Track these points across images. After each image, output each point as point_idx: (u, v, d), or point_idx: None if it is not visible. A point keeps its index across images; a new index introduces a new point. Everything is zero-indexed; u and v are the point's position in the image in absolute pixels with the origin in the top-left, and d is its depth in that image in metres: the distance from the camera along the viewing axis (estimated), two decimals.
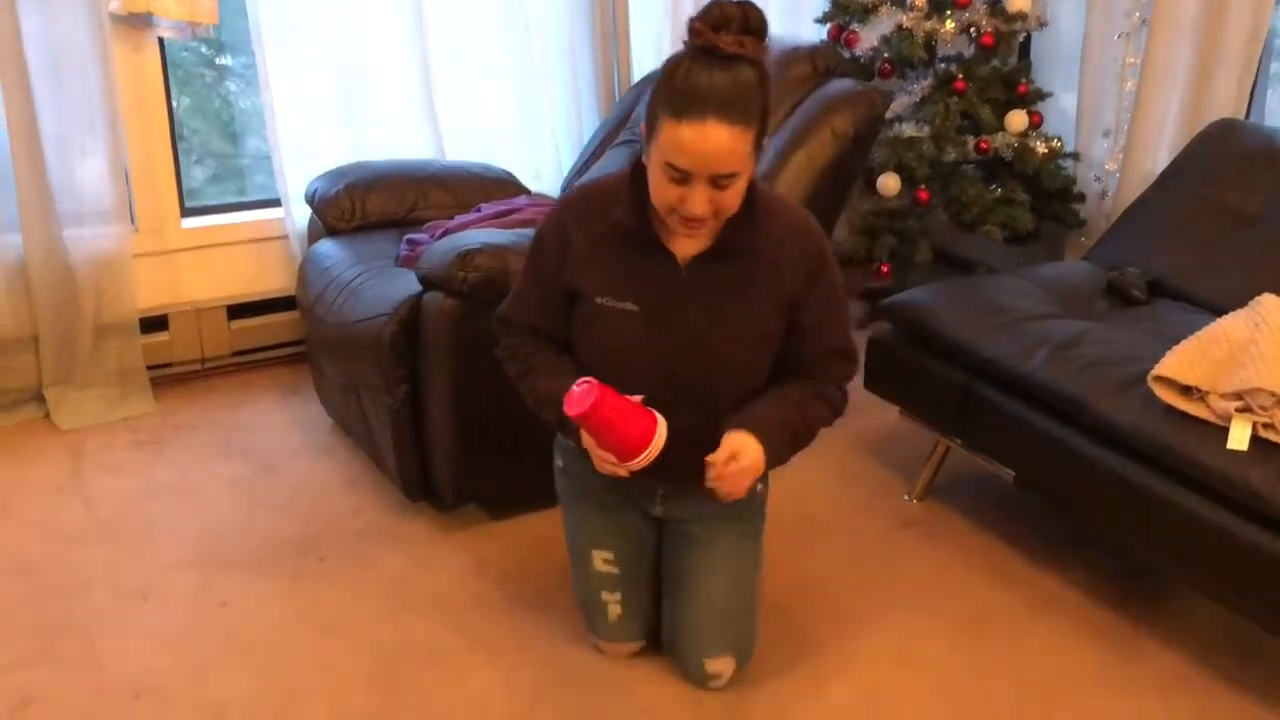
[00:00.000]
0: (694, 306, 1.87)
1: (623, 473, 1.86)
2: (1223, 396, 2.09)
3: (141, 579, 2.42)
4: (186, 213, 3.33)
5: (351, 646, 2.24)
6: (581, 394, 1.77)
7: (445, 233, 2.80)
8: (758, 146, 1.74)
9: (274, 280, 3.39)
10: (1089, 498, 2.33)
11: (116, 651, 2.20)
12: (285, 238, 3.37)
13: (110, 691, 2.09)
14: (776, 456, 1.90)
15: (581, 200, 1.93)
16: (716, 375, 1.90)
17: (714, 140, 1.66)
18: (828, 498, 2.83)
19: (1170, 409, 2.16)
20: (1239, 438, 2.02)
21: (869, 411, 3.19)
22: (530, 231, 2.59)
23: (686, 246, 1.87)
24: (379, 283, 2.63)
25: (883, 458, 3.03)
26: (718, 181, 1.71)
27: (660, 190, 1.75)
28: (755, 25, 1.70)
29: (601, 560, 2.16)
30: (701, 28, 1.68)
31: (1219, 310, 2.41)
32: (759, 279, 1.87)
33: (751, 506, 2.13)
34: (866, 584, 2.49)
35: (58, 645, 2.21)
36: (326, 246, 2.97)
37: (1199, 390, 2.13)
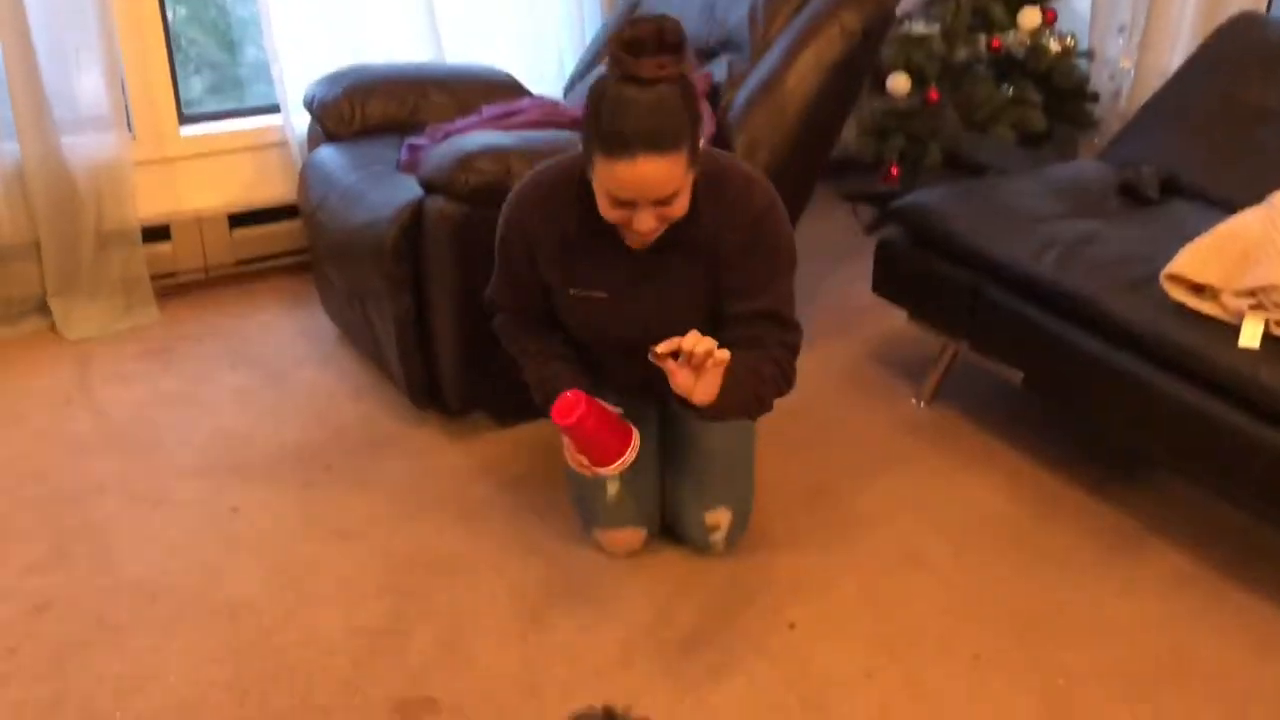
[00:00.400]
0: (652, 290, 1.98)
1: (588, 475, 1.98)
2: (1236, 294, 2.07)
3: (152, 486, 2.44)
4: (185, 120, 3.28)
5: (362, 551, 2.26)
6: (568, 405, 1.87)
7: (446, 136, 2.75)
8: (693, 155, 1.79)
9: (275, 188, 3.35)
10: (1099, 398, 2.32)
11: (130, 556, 2.22)
12: (285, 144, 3.32)
13: (125, 594, 2.12)
14: (719, 407, 1.85)
15: (540, 200, 1.97)
16: (671, 328, 1.86)
17: (648, 174, 1.73)
18: (835, 403, 2.82)
19: (1181, 307, 2.14)
20: (1251, 335, 2.00)
21: (877, 317, 3.17)
22: (533, 134, 2.57)
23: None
24: (380, 188, 2.60)
25: (890, 363, 3.02)
26: (661, 201, 1.78)
27: (606, 212, 1.82)
28: (671, 41, 1.72)
29: None
30: (621, 55, 1.71)
31: (1234, 208, 2.37)
32: (704, 257, 1.95)
33: None
34: (872, 487, 2.50)
35: (72, 550, 2.23)
36: (327, 152, 2.93)
37: (1211, 288, 2.11)
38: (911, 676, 1.99)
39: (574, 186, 1.91)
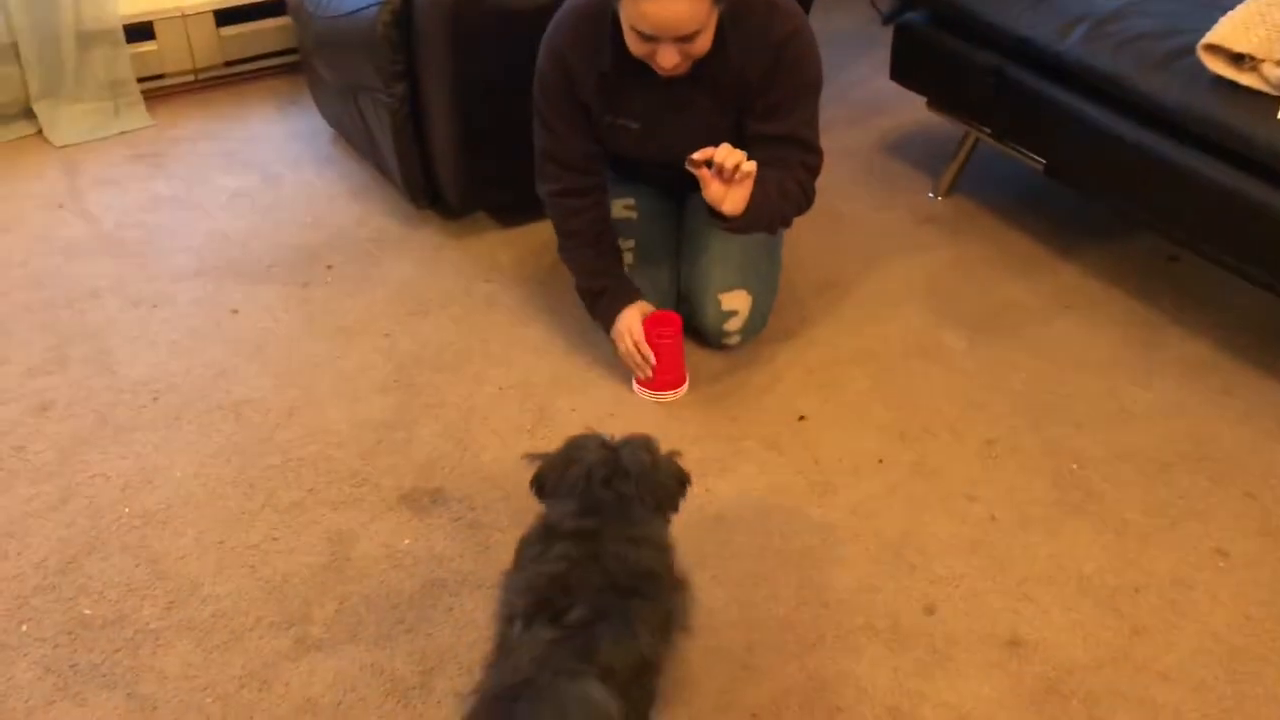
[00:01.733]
0: (681, 119, 2.01)
1: (641, 389, 2.12)
2: (1278, 63, 1.94)
3: (150, 289, 2.39)
4: None
5: (365, 348, 2.23)
6: (668, 320, 2.07)
7: None
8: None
9: None
10: (1125, 182, 2.23)
11: (130, 357, 2.20)
12: None
13: (127, 394, 2.10)
14: (745, 221, 1.91)
15: (575, 36, 1.97)
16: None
17: (672, 11, 1.75)
18: (851, 195, 2.73)
19: (1219, 80, 2.01)
20: None
21: (895, 107, 3.04)
22: None
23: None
24: None
25: (907, 155, 2.90)
26: (683, 39, 1.80)
27: (632, 45, 1.86)
28: None
29: (622, 206, 2.21)
30: None
31: None
32: (731, 87, 1.97)
33: None
34: (887, 277, 2.43)
35: (72, 352, 2.21)
36: None
37: (1252, 58, 1.98)
38: (922, 462, 1.97)
39: (607, 22, 1.91)
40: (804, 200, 2.05)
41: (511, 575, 1.42)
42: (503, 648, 1.33)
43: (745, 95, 1.98)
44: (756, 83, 1.96)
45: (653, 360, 2.05)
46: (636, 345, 2.05)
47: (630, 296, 2.10)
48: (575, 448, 1.48)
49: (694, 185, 2.14)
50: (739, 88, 1.97)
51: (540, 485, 1.50)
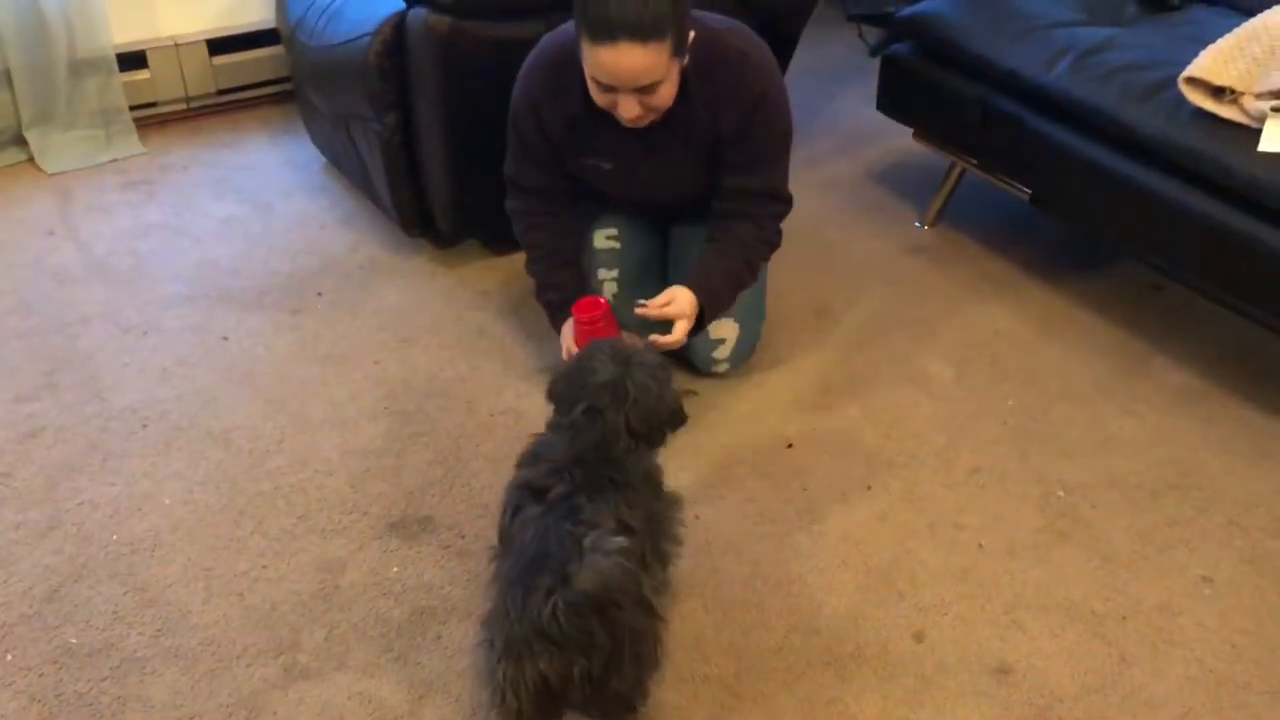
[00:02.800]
0: (655, 163, 2.03)
1: None
2: (1258, 96, 1.97)
3: (140, 316, 2.40)
4: None
5: (355, 376, 2.23)
6: (590, 304, 1.96)
7: None
8: (679, 45, 1.79)
9: (254, 12, 3.20)
10: (1109, 212, 2.25)
11: (120, 384, 2.20)
12: None
13: (116, 420, 2.10)
14: (717, 306, 2.05)
15: (546, 77, 1.98)
16: (675, 195, 2.16)
17: (629, 61, 1.74)
18: (838, 225, 2.75)
19: (1199, 113, 2.05)
20: (1272, 138, 1.92)
21: (882, 138, 3.07)
22: None
23: None
24: (360, 1, 2.47)
25: (894, 185, 2.93)
26: (642, 90, 1.80)
27: (595, 95, 1.86)
28: None
29: (604, 237, 2.22)
30: None
31: (1260, 11, 2.25)
32: (703, 134, 1.98)
33: None
34: (874, 308, 2.45)
35: (61, 379, 2.20)
36: None
37: (1232, 91, 2.01)
38: (910, 489, 1.98)
39: (578, 65, 1.89)
40: (769, 250, 2.11)
41: (507, 485, 1.57)
42: (504, 540, 1.52)
43: (717, 145, 2.00)
44: (729, 136, 1.97)
45: None
46: (570, 355, 2.01)
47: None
48: (588, 360, 1.55)
49: (678, 215, 2.18)
50: (711, 137, 1.98)
51: (552, 395, 1.60)
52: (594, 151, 2.04)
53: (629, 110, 1.83)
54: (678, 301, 1.97)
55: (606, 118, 1.92)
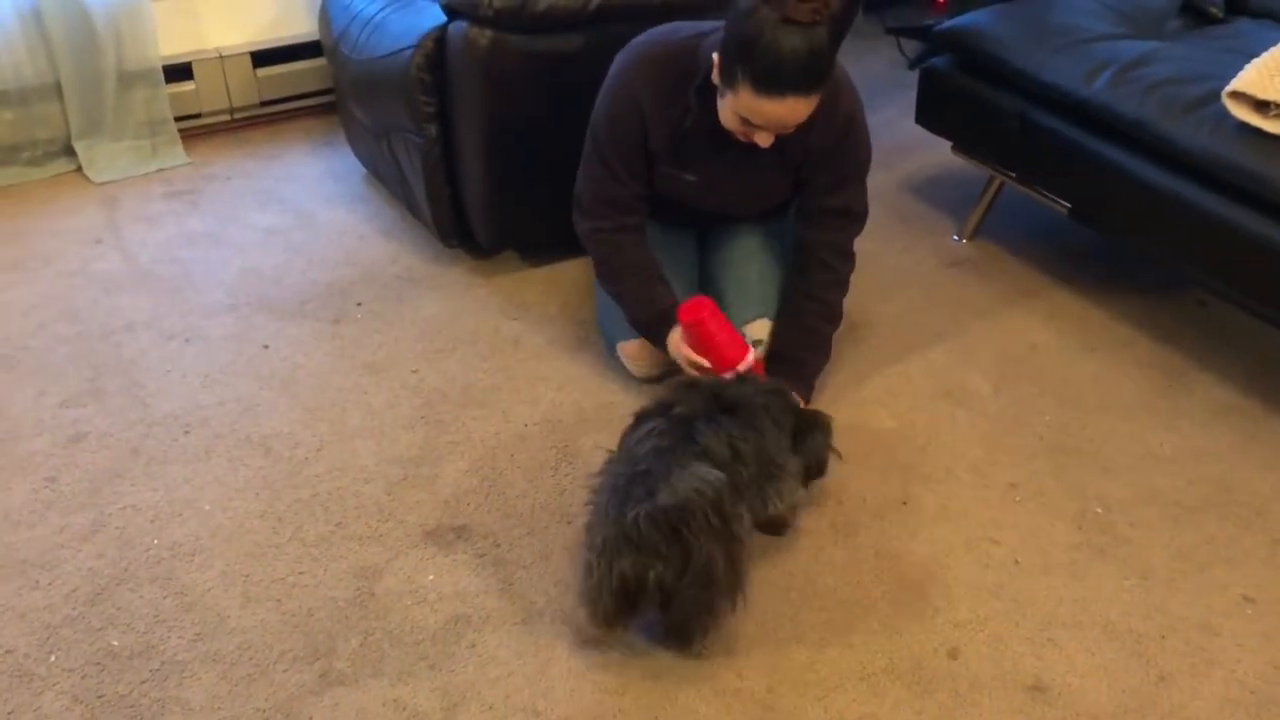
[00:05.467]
0: (740, 181, 2.07)
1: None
2: None
3: (183, 323, 2.43)
4: None
5: (393, 385, 2.25)
6: (694, 305, 1.97)
7: None
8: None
9: (298, 25, 3.25)
10: (1150, 226, 2.23)
11: (162, 391, 2.23)
12: None
13: (159, 426, 2.14)
14: (818, 373, 2.16)
15: (654, 79, 1.97)
16: (746, 209, 2.21)
17: (793, 114, 1.80)
18: (875, 237, 2.74)
19: (1243, 127, 2.03)
20: None
21: (920, 151, 3.06)
22: None
23: None
24: (403, 14, 2.50)
25: (931, 198, 2.92)
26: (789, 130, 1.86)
27: (730, 123, 1.88)
28: None
29: None
30: None
31: None
32: (794, 156, 2.02)
33: (783, 220, 2.27)
34: (912, 321, 2.44)
35: (106, 385, 2.24)
36: None
37: (1277, 105, 1.99)
38: (946, 504, 1.97)
39: (694, 80, 1.93)
40: (845, 286, 2.15)
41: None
42: (621, 449, 1.69)
43: (807, 165, 2.03)
44: (820, 156, 2.01)
45: (705, 364, 1.99)
46: (688, 360, 2.01)
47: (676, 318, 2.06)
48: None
49: (713, 221, 2.18)
50: (803, 157, 2.01)
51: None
52: (686, 165, 2.05)
53: (765, 141, 1.87)
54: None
55: (708, 134, 1.95)
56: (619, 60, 2.02)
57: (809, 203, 2.09)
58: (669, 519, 1.51)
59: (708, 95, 1.92)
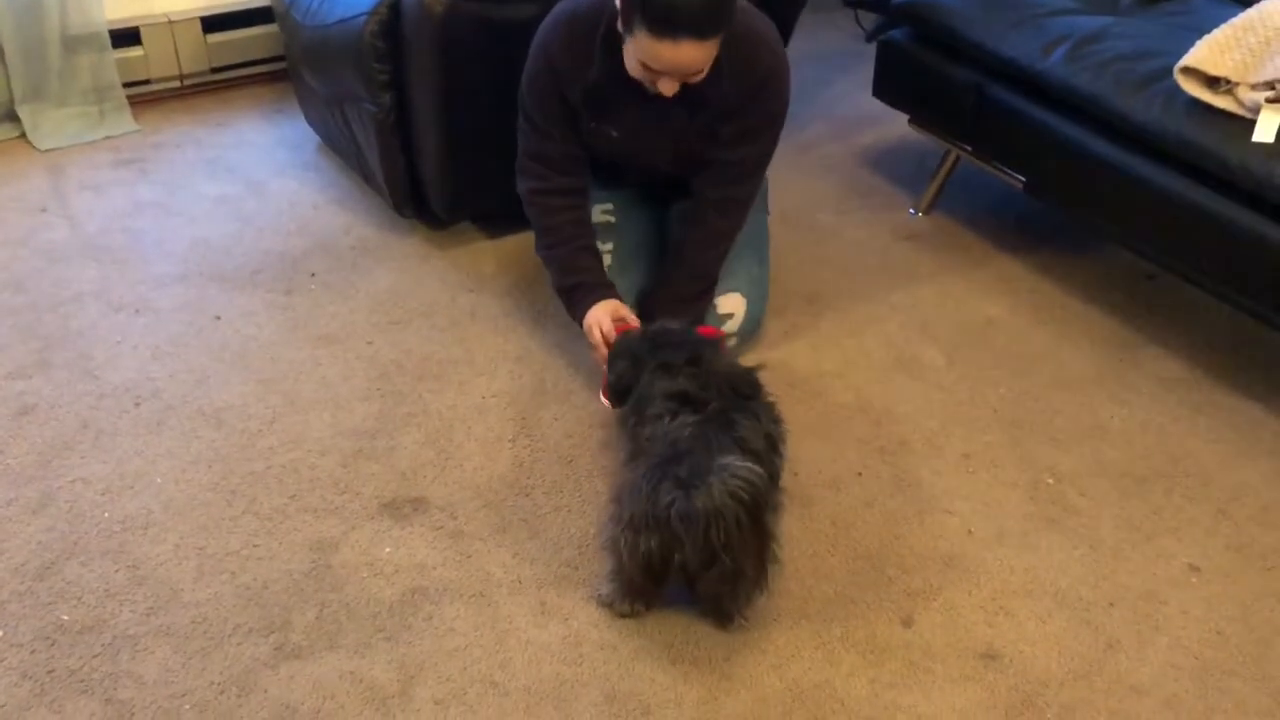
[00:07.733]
0: (660, 133, 2.05)
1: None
2: (1253, 87, 1.98)
3: (132, 294, 2.39)
4: None
5: (348, 357, 2.23)
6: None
7: None
8: (728, 33, 1.85)
9: None
10: (1103, 201, 2.26)
11: (112, 362, 2.19)
12: None
13: (108, 399, 2.10)
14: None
15: (566, 38, 1.99)
16: (677, 165, 2.14)
17: (688, 57, 1.80)
18: (832, 211, 2.75)
19: (1195, 103, 2.05)
20: (1267, 128, 1.92)
21: (877, 125, 3.07)
22: None
23: None
24: None
25: (888, 172, 2.93)
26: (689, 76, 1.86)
27: (634, 70, 1.89)
28: None
29: (600, 212, 2.24)
30: None
31: (1256, 2, 2.25)
32: (710, 108, 2.00)
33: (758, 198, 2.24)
34: (867, 294, 2.46)
35: (53, 357, 2.20)
36: None
37: (1228, 81, 2.01)
38: (900, 475, 1.99)
39: (598, 34, 1.94)
40: (721, 241, 2.15)
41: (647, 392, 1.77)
42: (655, 437, 1.69)
43: (721, 117, 2.01)
44: (735, 108, 2.00)
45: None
46: (605, 337, 2.01)
47: (603, 293, 2.07)
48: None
49: (676, 190, 2.18)
50: (718, 109, 2.00)
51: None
52: (605, 119, 2.05)
53: (669, 88, 1.87)
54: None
55: (621, 86, 1.94)
56: (542, 23, 2.05)
57: (709, 153, 2.07)
58: (702, 522, 1.51)
59: (615, 45, 1.92)
